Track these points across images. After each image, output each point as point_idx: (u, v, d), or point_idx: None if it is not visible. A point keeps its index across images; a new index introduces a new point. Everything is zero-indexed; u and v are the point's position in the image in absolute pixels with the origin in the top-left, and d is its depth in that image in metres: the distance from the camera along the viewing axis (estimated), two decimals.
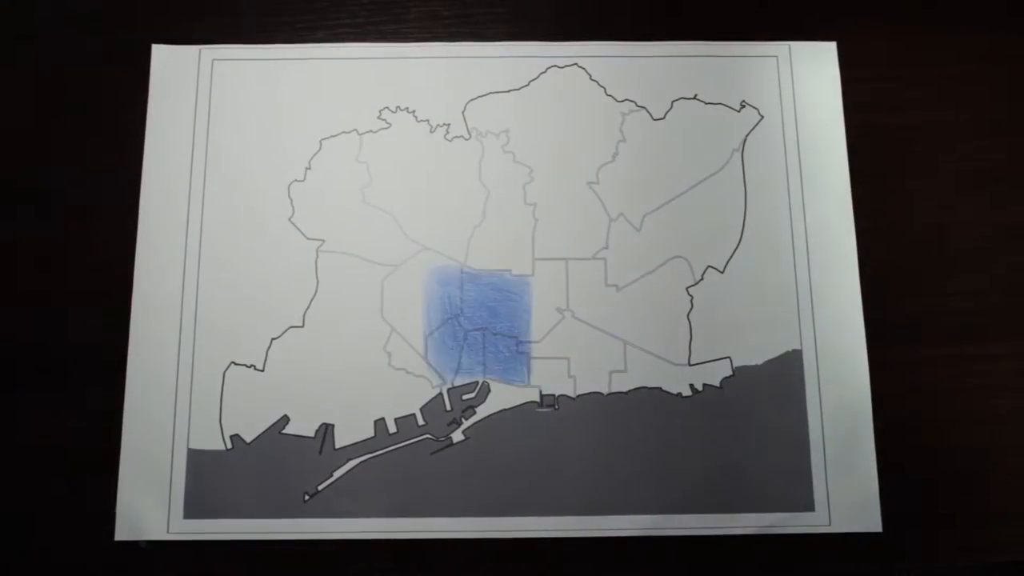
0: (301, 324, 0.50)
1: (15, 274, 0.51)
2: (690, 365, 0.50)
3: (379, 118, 0.53)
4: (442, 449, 0.49)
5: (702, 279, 0.51)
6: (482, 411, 0.49)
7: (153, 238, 0.51)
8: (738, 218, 0.52)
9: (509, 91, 0.54)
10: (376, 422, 0.49)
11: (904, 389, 0.50)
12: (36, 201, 0.52)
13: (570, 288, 0.51)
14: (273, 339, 0.50)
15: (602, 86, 0.54)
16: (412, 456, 0.49)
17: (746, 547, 0.48)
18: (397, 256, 0.51)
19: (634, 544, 0.48)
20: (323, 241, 0.51)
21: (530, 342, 0.50)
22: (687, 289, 0.51)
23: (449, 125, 0.53)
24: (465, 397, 0.49)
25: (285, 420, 0.49)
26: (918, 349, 0.51)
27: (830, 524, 0.48)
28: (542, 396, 0.49)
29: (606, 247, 0.51)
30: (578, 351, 0.50)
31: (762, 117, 0.53)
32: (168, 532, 0.47)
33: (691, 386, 0.50)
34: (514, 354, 0.50)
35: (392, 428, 0.49)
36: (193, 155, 0.52)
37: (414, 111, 0.53)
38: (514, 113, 0.53)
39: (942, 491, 0.49)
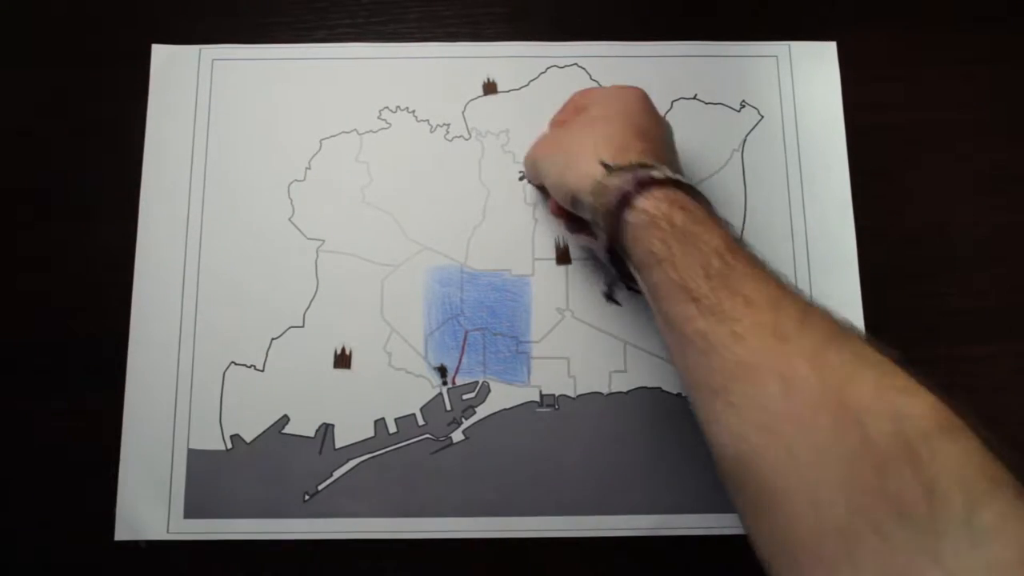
0: (301, 324, 0.50)
1: (15, 274, 0.51)
2: None
3: (379, 118, 0.53)
4: (442, 449, 0.49)
5: None
6: (482, 411, 0.49)
7: (153, 238, 0.51)
8: (738, 218, 0.52)
9: (509, 91, 0.54)
10: (376, 422, 0.49)
11: None
12: (36, 201, 0.52)
13: (570, 288, 0.51)
14: (273, 339, 0.50)
15: (602, 86, 0.54)
16: (412, 456, 0.49)
17: (747, 547, 0.48)
18: (397, 256, 0.51)
19: (634, 544, 0.48)
20: (323, 241, 0.51)
21: (530, 342, 0.50)
22: None
23: (449, 125, 0.53)
24: (465, 397, 0.49)
25: (285, 420, 0.49)
26: (918, 349, 0.51)
27: None
28: (542, 396, 0.49)
29: None
30: (578, 351, 0.50)
31: (762, 117, 0.53)
32: (168, 532, 0.47)
33: None
34: (514, 354, 0.50)
35: (392, 428, 0.49)
36: (193, 155, 0.52)
37: (414, 111, 0.53)
38: (514, 113, 0.53)
39: None
